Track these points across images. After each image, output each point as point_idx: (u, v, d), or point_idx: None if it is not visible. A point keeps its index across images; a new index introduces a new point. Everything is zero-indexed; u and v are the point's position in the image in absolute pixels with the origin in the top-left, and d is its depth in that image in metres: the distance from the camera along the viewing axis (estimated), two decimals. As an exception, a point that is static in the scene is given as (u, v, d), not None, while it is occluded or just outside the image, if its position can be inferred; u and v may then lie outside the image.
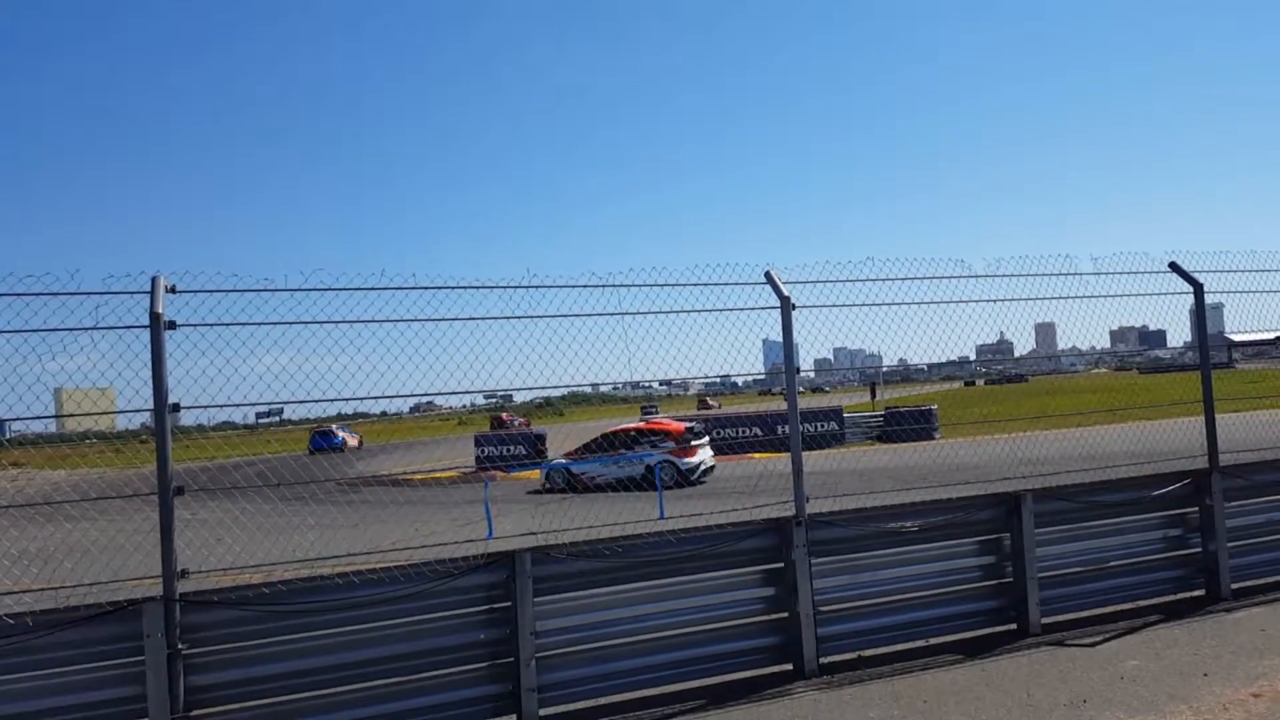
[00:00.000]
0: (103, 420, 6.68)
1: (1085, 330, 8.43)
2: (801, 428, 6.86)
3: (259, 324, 5.79)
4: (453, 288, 6.28)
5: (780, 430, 28.80)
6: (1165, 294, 8.27)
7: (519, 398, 9.04)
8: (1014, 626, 7.22)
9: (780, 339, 6.85)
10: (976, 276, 7.62)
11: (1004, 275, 7.75)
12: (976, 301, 7.68)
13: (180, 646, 5.27)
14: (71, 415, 6.29)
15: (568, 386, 6.82)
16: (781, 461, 6.96)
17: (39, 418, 5.72)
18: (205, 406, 5.66)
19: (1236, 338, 9.62)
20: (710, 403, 45.97)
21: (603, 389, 7.79)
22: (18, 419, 5.69)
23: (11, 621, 5.03)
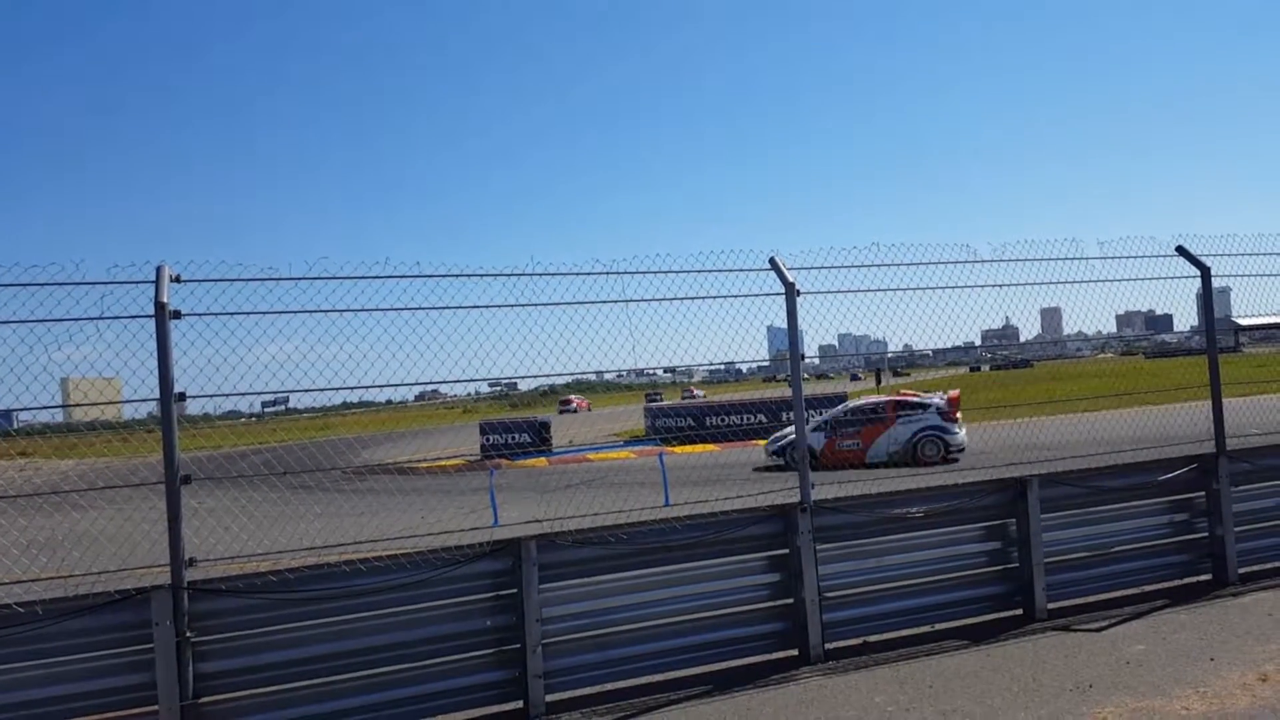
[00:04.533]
0: (109, 410, 6.70)
1: (1091, 315, 8.38)
2: (806, 414, 6.84)
3: (264, 313, 5.79)
4: (457, 275, 6.27)
5: (785, 416, 28.84)
6: (1172, 278, 8.22)
7: (523, 385, 9.04)
8: (1020, 612, 7.22)
9: (785, 325, 6.84)
10: (982, 261, 7.59)
11: (1010, 260, 7.70)
12: (982, 286, 7.65)
13: (189, 634, 5.29)
14: (78, 405, 6.31)
15: (572, 374, 6.82)
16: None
17: (45, 407, 5.74)
18: (211, 395, 5.68)
19: (1244, 321, 9.58)
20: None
21: (607, 377, 7.78)
22: (25, 409, 5.71)
23: (21, 610, 5.06)
